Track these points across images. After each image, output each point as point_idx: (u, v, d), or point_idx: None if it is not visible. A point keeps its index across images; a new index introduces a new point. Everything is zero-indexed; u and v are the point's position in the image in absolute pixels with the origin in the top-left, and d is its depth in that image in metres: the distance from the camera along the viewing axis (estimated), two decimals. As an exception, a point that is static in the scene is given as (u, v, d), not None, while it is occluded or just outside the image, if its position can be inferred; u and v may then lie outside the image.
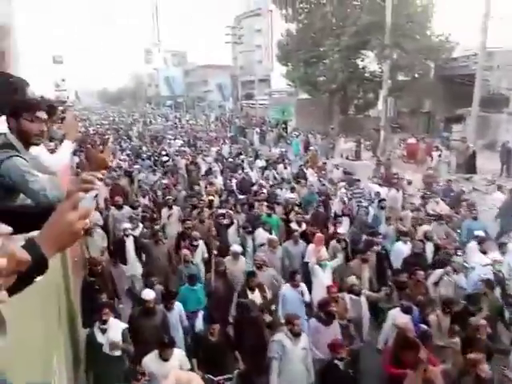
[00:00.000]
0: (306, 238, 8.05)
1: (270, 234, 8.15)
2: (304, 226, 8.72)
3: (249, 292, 5.90)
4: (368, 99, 27.52)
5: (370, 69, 26.31)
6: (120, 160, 15.54)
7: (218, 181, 12.67)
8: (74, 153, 10.56)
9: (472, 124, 19.90)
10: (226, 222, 8.64)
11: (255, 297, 5.88)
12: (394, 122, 25.68)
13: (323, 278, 6.51)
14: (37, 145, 2.27)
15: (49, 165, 2.60)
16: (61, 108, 4.02)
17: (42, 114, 2.23)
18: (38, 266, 0.90)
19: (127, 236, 7.72)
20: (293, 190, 11.24)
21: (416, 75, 24.61)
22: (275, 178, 13.50)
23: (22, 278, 0.88)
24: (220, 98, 52.70)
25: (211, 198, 10.31)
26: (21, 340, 1.92)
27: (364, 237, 8.07)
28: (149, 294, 5.36)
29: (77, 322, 5.63)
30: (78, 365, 5.21)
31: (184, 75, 63.82)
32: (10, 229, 0.80)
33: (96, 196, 1.15)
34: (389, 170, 14.31)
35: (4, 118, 2.24)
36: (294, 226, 8.69)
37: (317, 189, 11.67)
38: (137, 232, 8.25)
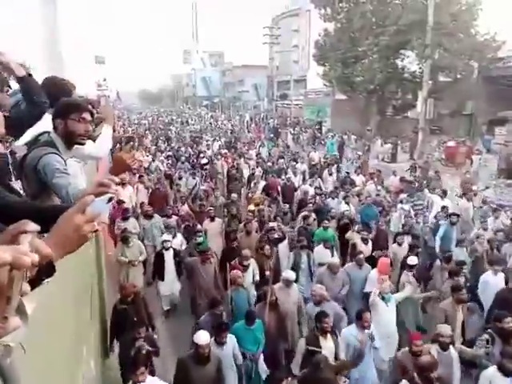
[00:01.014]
0: (371, 261, 6.89)
1: (332, 252, 7.10)
2: (370, 245, 7.58)
3: (321, 338, 4.70)
4: (407, 100, 26.82)
5: (409, 69, 25.61)
6: (159, 162, 14.93)
7: (260, 187, 11.53)
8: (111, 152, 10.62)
9: (517, 127, 19.01)
10: (277, 236, 7.44)
11: (327, 343, 4.68)
12: (433, 124, 24.89)
13: (386, 314, 5.31)
14: (82, 144, 2.36)
15: (89, 152, 2.69)
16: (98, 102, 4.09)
17: (88, 115, 2.32)
18: (46, 268, 0.91)
19: (167, 249, 7.09)
20: (346, 199, 9.84)
21: (458, 76, 23.74)
22: (319, 187, 11.90)
23: (31, 279, 0.87)
24: (255, 98, 52.82)
25: (251, 207, 9.20)
26: (55, 329, 2.02)
27: (438, 264, 6.73)
28: (203, 338, 4.26)
29: (106, 318, 5.69)
30: (106, 357, 5.34)
31: (220, 75, 64.50)
32: (37, 227, 0.83)
33: (109, 200, 1.09)
34: (426, 172, 13.93)
35: (49, 116, 2.35)
36: (360, 245, 7.46)
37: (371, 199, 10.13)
38: (175, 243, 7.57)
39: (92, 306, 4.30)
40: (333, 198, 10.22)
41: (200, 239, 7.28)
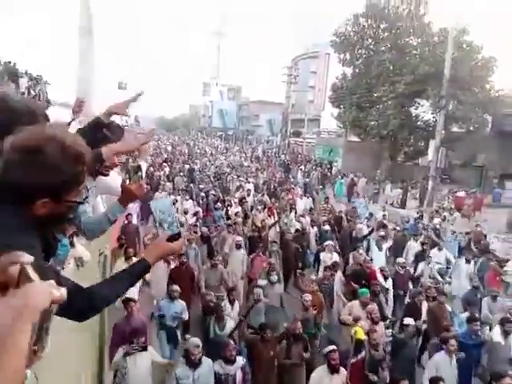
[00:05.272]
0: None
1: None
2: None
3: None
4: (418, 147, 27.07)
5: (423, 118, 26.04)
6: (183, 212, 10.06)
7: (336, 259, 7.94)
8: None
9: (528, 183, 19.03)
10: None
11: None
12: (444, 173, 24.96)
13: None
14: (105, 175, 2.30)
15: (117, 185, 2.67)
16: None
17: None
18: (146, 271, 1.47)
19: None
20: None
21: (471, 128, 24.06)
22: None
23: (138, 277, 1.47)
24: (269, 133, 53.68)
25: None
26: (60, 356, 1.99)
27: None
28: None
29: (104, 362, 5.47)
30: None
31: (237, 109, 65.87)
32: (31, 258, 0.79)
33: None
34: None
35: None
36: None
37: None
38: None
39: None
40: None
41: None
